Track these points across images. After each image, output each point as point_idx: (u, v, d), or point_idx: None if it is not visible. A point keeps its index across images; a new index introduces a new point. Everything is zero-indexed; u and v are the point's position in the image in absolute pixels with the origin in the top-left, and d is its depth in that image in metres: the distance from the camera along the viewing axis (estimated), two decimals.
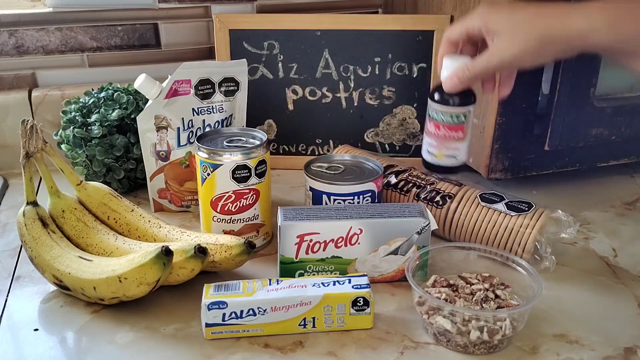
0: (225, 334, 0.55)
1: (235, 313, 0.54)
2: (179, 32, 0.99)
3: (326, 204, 0.67)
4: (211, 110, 0.77)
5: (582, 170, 0.86)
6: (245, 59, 0.79)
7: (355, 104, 0.91)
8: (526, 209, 0.66)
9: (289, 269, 0.62)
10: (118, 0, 0.94)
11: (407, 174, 0.74)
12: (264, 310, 0.54)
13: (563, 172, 0.84)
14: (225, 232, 0.68)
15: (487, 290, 0.58)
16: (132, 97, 0.83)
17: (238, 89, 0.79)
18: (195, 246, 0.58)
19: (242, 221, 0.68)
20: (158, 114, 0.74)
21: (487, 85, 0.64)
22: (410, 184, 0.73)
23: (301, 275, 0.62)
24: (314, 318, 0.55)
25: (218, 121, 0.78)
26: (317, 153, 0.94)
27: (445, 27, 0.70)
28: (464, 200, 0.69)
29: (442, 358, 0.53)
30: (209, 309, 0.54)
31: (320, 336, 0.56)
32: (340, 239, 0.61)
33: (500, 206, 0.67)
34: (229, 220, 0.67)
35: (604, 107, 0.78)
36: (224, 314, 0.54)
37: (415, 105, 0.91)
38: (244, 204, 0.67)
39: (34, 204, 0.64)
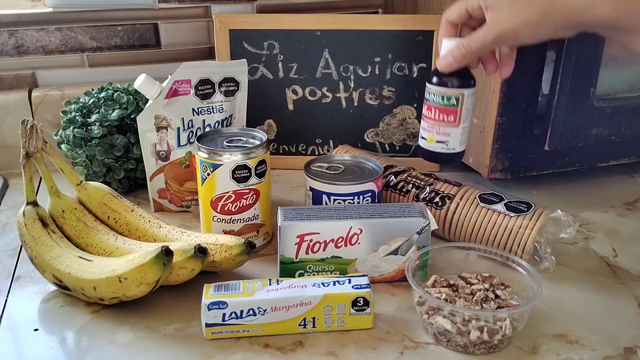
0: (225, 334, 0.55)
1: (235, 313, 0.54)
2: (179, 32, 0.99)
3: (326, 204, 0.67)
4: (211, 110, 0.77)
5: (582, 170, 0.86)
6: (245, 59, 0.79)
7: (355, 104, 0.91)
8: (525, 209, 0.66)
9: (289, 269, 0.62)
10: (118, 0, 0.94)
11: (406, 175, 0.74)
12: (264, 310, 0.54)
13: (563, 172, 0.84)
14: (225, 232, 0.68)
15: (487, 290, 0.58)
16: (132, 97, 0.83)
17: (238, 89, 0.79)
18: (195, 246, 0.58)
19: (242, 221, 0.68)
20: (158, 114, 0.74)
21: (489, 67, 0.63)
22: (410, 185, 0.73)
23: (301, 275, 0.62)
24: (314, 318, 0.55)
25: (218, 121, 0.78)
26: (317, 153, 0.94)
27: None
28: (463, 201, 0.69)
29: (442, 358, 0.53)
30: (209, 309, 0.54)
31: (320, 336, 0.56)
32: (340, 239, 0.61)
33: (500, 207, 0.67)
34: (229, 220, 0.67)
35: (604, 107, 0.78)
36: (224, 314, 0.54)
37: (415, 105, 0.91)
38: (244, 204, 0.67)
39: (34, 204, 0.64)
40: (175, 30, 0.99)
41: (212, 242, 0.62)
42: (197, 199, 0.71)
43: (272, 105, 0.92)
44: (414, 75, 0.90)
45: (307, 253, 0.61)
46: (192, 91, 0.75)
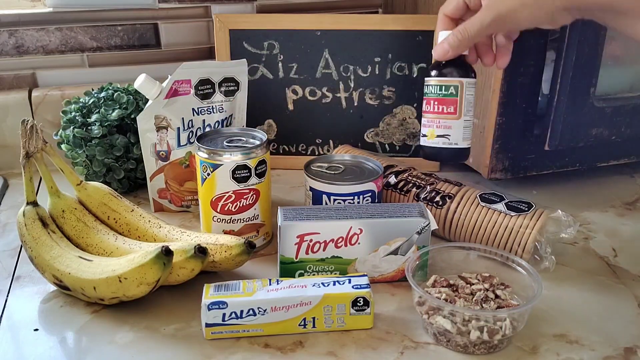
0: (225, 334, 0.55)
1: (235, 313, 0.54)
2: (179, 32, 0.99)
3: (326, 204, 0.67)
4: (211, 110, 0.77)
5: (582, 170, 0.86)
6: (245, 59, 0.79)
7: (355, 104, 0.91)
8: (526, 209, 0.66)
9: (289, 269, 0.62)
10: (118, 0, 0.94)
11: (407, 174, 0.74)
12: (264, 310, 0.54)
13: (563, 172, 0.84)
14: (225, 232, 0.68)
15: (487, 290, 0.58)
16: (132, 97, 0.83)
17: (238, 89, 0.79)
18: (195, 246, 0.58)
19: (242, 221, 0.68)
20: (158, 114, 0.74)
21: (486, 59, 0.62)
22: (410, 184, 0.73)
23: (301, 275, 0.62)
24: (314, 318, 0.55)
25: (218, 121, 0.78)
26: (317, 153, 0.94)
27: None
28: (463, 200, 0.69)
29: (442, 358, 0.53)
30: (209, 309, 0.54)
31: (320, 336, 0.56)
32: (340, 239, 0.61)
33: (500, 206, 0.67)
34: (229, 220, 0.67)
35: (604, 107, 0.78)
36: (224, 314, 0.54)
37: (415, 105, 0.91)
38: (244, 204, 0.67)
39: (34, 204, 0.64)
40: (175, 30, 0.99)
41: (212, 242, 0.62)
42: (197, 199, 0.71)
43: (272, 105, 0.92)
44: (414, 75, 0.90)
45: (307, 253, 0.61)
46: (192, 91, 0.75)
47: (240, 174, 0.65)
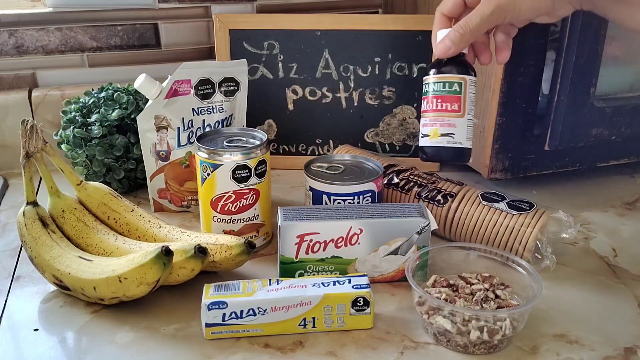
0: (225, 334, 0.55)
1: (235, 313, 0.54)
2: (179, 32, 0.99)
3: (326, 204, 0.67)
4: (211, 110, 0.77)
5: (582, 170, 0.86)
6: (245, 59, 0.79)
7: (355, 104, 0.91)
8: (527, 208, 0.66)
9: (289, 269, 0.62)
10: (118, 0, 0.94)
11: (408, 173, 0.74)
12: (264, 310, 0.54)
13: (563, 172, 0.84)
14: (225, 232, 0.68)
15: (487, 290, 0.58)
16: (132, 97, 0.83)
17: (238, 89, 0.79)
18: (195, 246, 0.58)
19: (242, 221, 0.68)
20: (158, 114, 0.74)
21: (483, 57, 0.61)
22: (412, 183, 0.73)
23: (301, 275, 0.62)
24: (314, 318, 0.55)
25: (218, 121, 0.78)
26: (317, 153, 0.94)
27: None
28: (465, 199, 0.69)
29: (442, 358, 0.53)
30: (209, 309, 0.54)
31: (320, 336, 0.56)
32: (340, 239, 0.61)
33: (502, 205, 0.67)
34: (229, 220, 0.67)
35: (604, 107, 0.78)
36: (224, 314, 0.54)
37: (415, 105, 0.91)
38: (244, 204, 0.67)
39: (34, 204, 0.64)
40: (175, 30, 0.99)
41: (212, 242, 0.62)
42: (197, 199, 0.71)
43: (272, 105, 0.92)
44: (414, 75, 0.90)
45: (307, 253, 0.61)
46: (192, 91, 0.75)
47: (240, 174, 0.65)
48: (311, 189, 0.68)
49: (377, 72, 0.90)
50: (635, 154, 0.86)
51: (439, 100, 0.59)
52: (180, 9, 0.98)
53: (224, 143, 0.68)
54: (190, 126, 0.76)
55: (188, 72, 0.74)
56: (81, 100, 0.84)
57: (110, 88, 0.85)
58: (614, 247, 0.72)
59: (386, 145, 0.93)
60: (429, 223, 0.61)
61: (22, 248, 0.65)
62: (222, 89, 0.77)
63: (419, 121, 0.91)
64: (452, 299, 0.56)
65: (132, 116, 0.81)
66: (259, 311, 0.54)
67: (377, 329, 0.57)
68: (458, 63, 0.60)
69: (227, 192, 0.66)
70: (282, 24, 0.88)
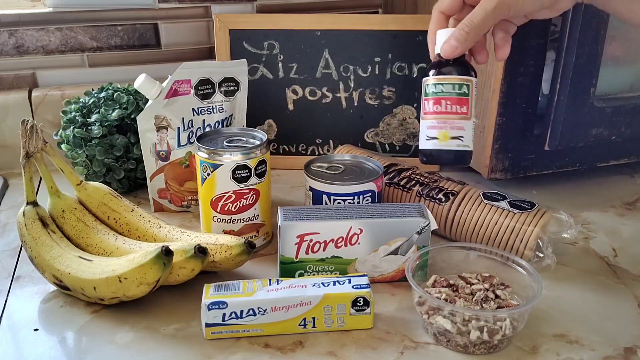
0: (225, 334, 0.55)
1: (235, 313, 0.54)
2: (179, 32, 0.99)
3: (326, 204, 0.67)
4: (211, 110, 0.77)
5: (582, 170, 0.86)
6: (245, 59, 0.79)
7: (355, 104, 0.91)
8: (529, 207, 0.66)
9: (289, 269, 0.62)
10: (118, 0, 0.94)
11: (410, 172, 0.75)
12: (264, 310, 0.54)
13: (563, 172, 0.84)
14: (225, 232, 0.68)
15: (487, 290, 0.58)
16: (132, 97, 0.83)
17: (238, 89, 0.79)
18: (195, 246, 0.58)
19: (242, 221, 0.68)
20: (158, 114, 0.74)
21: (479, 56, 0.60)
22: (413, 181, 0.73)
23: (301, 275, 0.62)
24: (314, 318, 0.55)
25: (218, 121, 0.78)
26: (317, 153, 0.94)
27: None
28: (467, 197, 0.69)
29: (442, 358, 0.53)
30: (209, 309, 0.54)
31: (320, 336, 0.56)
32: (340, 239, 0.61)
33: (504, 204, 0.67)
34: (229, 220, 0.67)
35: (604, 107, 0.78)
36: (224, 314, 0.54)
37: (415, 105, 0.91)
38: (244, 204, 0.67)
39: (34, 204, 0.64)
40: (175, 30, 0.99)
41: (212, 242, 0.62)
42: (197, 199, 0.71)
43: (272, 105, 0.92)
44: (414, 75, 0.90)
45: (307, 253, 0.61)
46: (192, 91, 0.75)
47: (240, 174, 0.65)
48: (311, 189, 0.68)
49: (377, 72, 0.90)
50: (635, 154, 0.86)
51: (448, 102, 0.57)
52: (180, 9, 0.98)
53: (224, 143, 0.68)
54: (190, 126, 0.76)
55: (188, 72, 0.74)
56: (81, 100, 0.85)
57: (110, 88, 0.85)
58: (614, 247, 0.72)
59: (386, 145, 0.93)
60: (429, 223, 0.61)
61: (22, 248, 0.65)
62: (222, 89, 0.77)
63: (419, 121, 0.91)
64: (452, 299, 0.56)
65: (132, 116, 0.81)
66: (259, 311, 0.54)
67: (377, 329, 0.57)
68: (463, 64, 0.58)
69: (227, 192, 0.66)
70: (282, 24, 0.88)
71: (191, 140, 0.77)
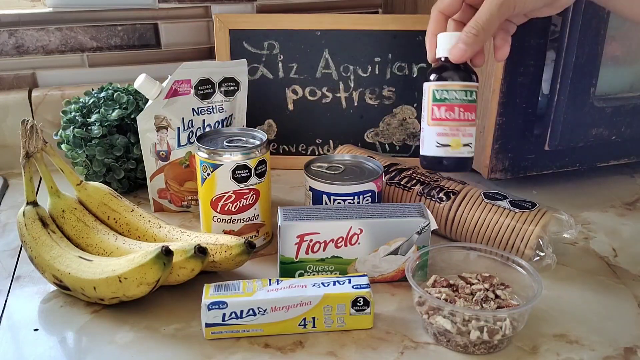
0: (225, 334, 0.55)
1: (235, 313, 0.54)
2: (179, 32, 0.99)
3: (326, 204, 0.67)
4: (211, 110, 0.77)
5: (582, 170, 0.86)
6: (245, 59, 0.79)
7: (355, 104, 0.91)
8: (530, 207, 0.66)
9: (289, 269, 0.62)
10: (118, 0, 0.94)
11: (411, 171, 0.75)
12: (264, 310, 0.54)
13: (563, 172, 0.84)
14: (225, 232, 0.68)
15: (487, 290, 0.58)
16: (132, 97, 0.83)
17: (238, 89, 0.79)
18: (195, 246, 0.58)
19: (242, 221, 0.68)
20: (158, 114, 0.74)
21: (477, 59, 0.59)
22: (414, 181, 0.73)
23: (301, 275, 0.62)
24: (314, 318, 0.55)
25: (218, 121, 0.78)
26: (317, 153, 0.94)
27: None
28: (467, 196, 0.69)
29: (442, 358, 0.53)
30: (209, 309, 0.54)
31: (320, 336, 0.56)
32: (340, 239, 0.61)
33: (504, 203, 0.67)
34: (229, 220, 0.67)
35: (604, 107, 0.78)
36: (224, 314, 0.54)
37: (415, 105, 0.91)
38: (244, 204, 0.67)
39: (34, 204, 0.64)
40: (175, 30, 0.99)
41: (212, 242, 0.62)
42: (197, 199, 0.71)
43: (272, 105, 0.92)
44: (414, 75, 0.90)
45: (307, 253, 0.61)
46: (192, 91, 0.75)
47: (240, 174, 0.65)
48: (311, 189, 0.68)
49: (377, 72, 0.90)
50: (635, 154, 0.86)
51: (461, 110, 0.56)
52: (180, 9, 0.98)
53: (224, 143, 0.68)
54: (190, 126, 0.76)
55: (188, 72, 0.74)
56: (81, 100, 0.85)
57: (110, 88, 0.85)
58: (614, 247, 0.72)
59: (386, 145, 0.93)
60: (429, 223, 0.61)
61: (22, 248, 0.65)
62: (222, 89, 0.77)
63: (419, 121, 0.91)
64: (452, 299, 0.56)
65: (132, 116, 0.81)
66: (259, 311, 0.54)
67: (377, 329, 0.57)
68: (470, 69, 0.57)
69: (227, 192, 0.66)
70: (282, 24, 0.88)
71: (191, 140, 0.77)
